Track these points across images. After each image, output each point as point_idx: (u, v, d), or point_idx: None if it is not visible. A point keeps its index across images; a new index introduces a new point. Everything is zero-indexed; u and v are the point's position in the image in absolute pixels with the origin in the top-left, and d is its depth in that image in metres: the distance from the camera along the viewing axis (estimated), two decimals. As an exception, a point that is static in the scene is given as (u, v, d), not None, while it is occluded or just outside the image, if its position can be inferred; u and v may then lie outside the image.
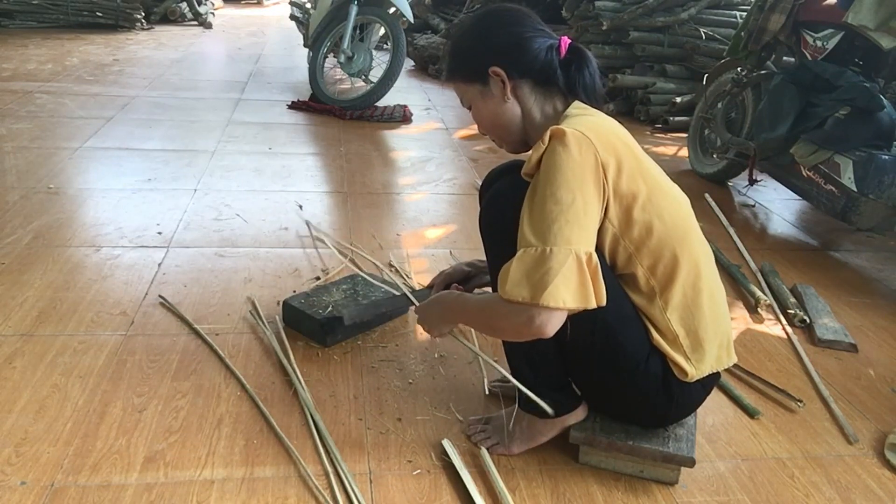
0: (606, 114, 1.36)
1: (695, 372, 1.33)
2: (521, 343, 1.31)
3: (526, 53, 1.33)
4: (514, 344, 1.39)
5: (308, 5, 5.28)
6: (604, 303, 1.19)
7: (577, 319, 1.24)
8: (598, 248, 1.25)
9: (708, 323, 1.33)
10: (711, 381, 1.40)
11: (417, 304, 1.57)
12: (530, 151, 1.27)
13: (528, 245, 1.18)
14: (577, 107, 1.34)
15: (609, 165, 1.22)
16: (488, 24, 1.37)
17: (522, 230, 1.21)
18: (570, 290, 1.15)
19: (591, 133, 1.22)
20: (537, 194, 1.21)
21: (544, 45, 1.34)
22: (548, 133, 1.23)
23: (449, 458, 1.46)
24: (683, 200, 1.37)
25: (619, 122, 1.37)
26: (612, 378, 1.36)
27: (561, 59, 1.34)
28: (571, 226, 1.17)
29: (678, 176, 3.50)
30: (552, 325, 1.17)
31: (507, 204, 1.31)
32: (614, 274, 1.33)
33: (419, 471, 1.44)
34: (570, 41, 1.36)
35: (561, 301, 1.14)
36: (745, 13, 4.10)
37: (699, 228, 1.39)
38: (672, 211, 1.30)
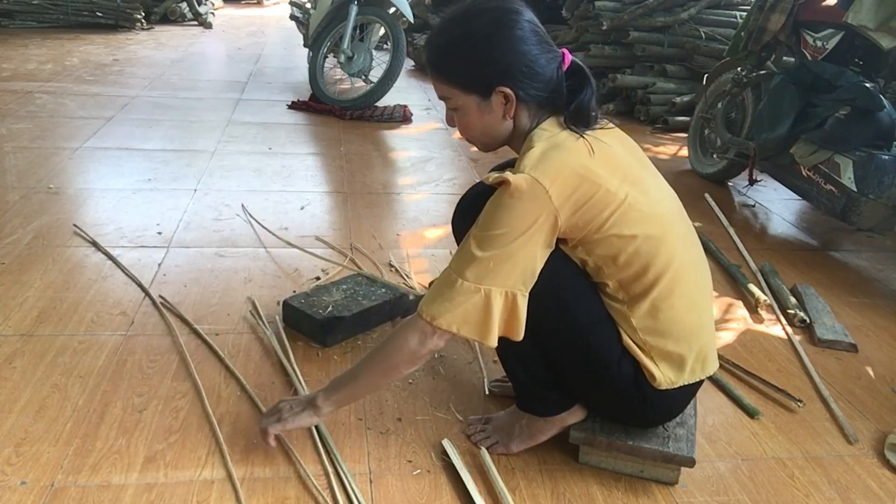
0: (604, 114, 1.34)
1: (663, 380, 1.32)
2: (512, 345, 1.30)
3: (539, 77, 1.27)
4: (506, 346, 1.36)
5: (308, 5, 5.28)
6: (517, 338, 1.26)
7: (545, 318, 1.30)
8: (570, 257, 1.31)
9: (680, 337, 1.31)
10: (692, 389, 1.40)
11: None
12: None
13: (450, 270, 1.26)
14: (550, 125, 1.29)
15: (562, 209, 1.21)
16: (498, 36, 1.26)
17: (456, 254, 1.27)
18: (467, 321, 1.24)
19: (547, 177, 1.20)
20: (478, 229, 1.25)
21: (553, 64, 1.28)
22: (503, 177, 1.21)
23: (449, 458, 1.46)
24: (664, 209, 1.32)
25: (619, 123, 1.36)
26: (586, 377, 1.37)
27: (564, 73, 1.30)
28: (493, 268, 1.22)
29: (678, 176, 3.51)
30: (435, 343, 1.28)
31: (472, 210, 1.34)
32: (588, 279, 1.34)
33: (419, 471, 1.44)
34: (570, 58, 1.32)
35: (455, 328, 1.24)
36: (745, 13, 4.10)
37: (690, 236, 1.37)
38: (650, 226, 1.27)
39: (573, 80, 1.31)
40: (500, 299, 1.22)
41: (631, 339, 1.32)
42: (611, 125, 1.36)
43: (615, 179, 1.25)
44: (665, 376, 1.32)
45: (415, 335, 1.28)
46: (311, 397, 1.41)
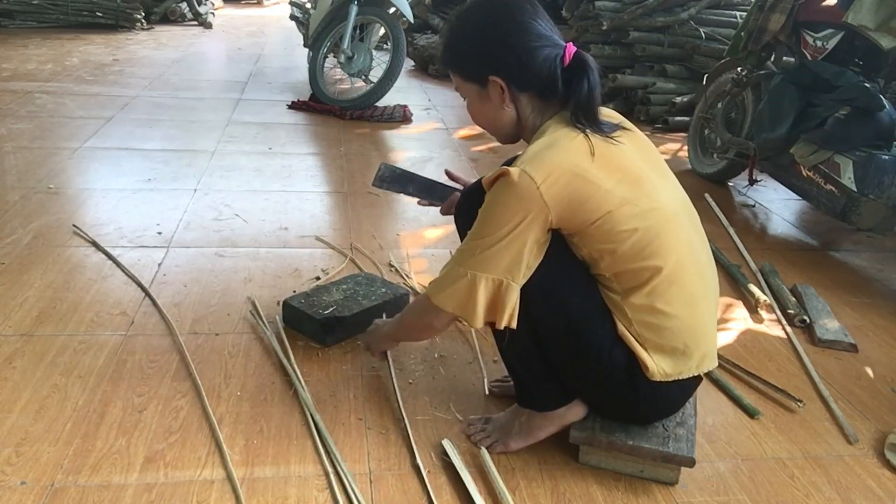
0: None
1: (657, 370, 1.32)
2: (509, 337, 1.35)
3: (529, 69, 1.31)
4: (503, 339, 1.42)
5: (308, 5, 5.28)
6: (506, 324, 1.31)
7: (536, 306, 1.32)
8: (565, 246, 1.33)
9: (675, 332, 1.31)
10: (689, 385, 1.40)
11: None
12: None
13: (451, 259, 1.35)
14: (556, 122, 1.32)
15: (552, 204, 1.23)
16: (492, 29, 1.32)
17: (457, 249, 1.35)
18: (455, 300, 1.33)
19: (540, 174, 1.23)
20: (474, 225, 1.32)
21: (550, 55, 1.31)
22: (498, 171, 1.27)
23: (449, 458, 1.46)
24: (667, 209, 1.32)
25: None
26: (579, 365, 1.38)
27: (564, 67, 1.32)
28: (479, 255, 1.29)
29: (678, 176, 3.46)
30: (438, 320, 1.40)
31: (471, 203, 1.38)
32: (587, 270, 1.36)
33: (419, 471, 1.44)
34: (574, 49, 1.33)
35: (449, 307, 1.33)
36: (745, 13, 4.10)
37: (696, 237, 1.37)
38: (642, 226, 1.27)
39: (571, 74, 1.31)
40: (484, 283, 1.29)
41: (626, 328, 1.33)
42: (631, 127, 1.38)
43: (612, 179, 1.27)
44: (659, 367, 1.32)
45: (423, 310, 1.43)
46: (381, 329, 1.66)
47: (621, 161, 1.30)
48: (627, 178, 1.28)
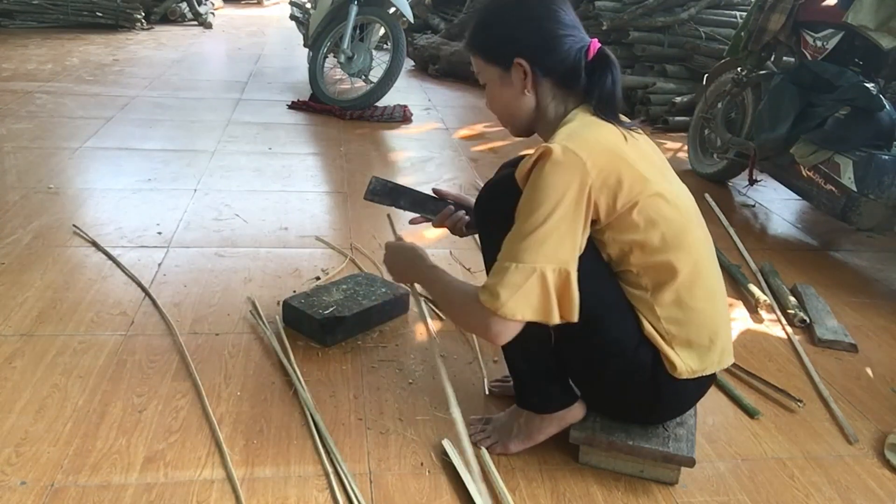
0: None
1: (684, 368, 1.32)
2: (518, 338, 1.31)
3: (554, 54, 1.32)
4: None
5: (308, 5, 5.28)
6: (572, 318, 1.24)
7: None
8: (593, 245, 1.30)
9: (702, 326, 1.33)
10: (706, 382, 1.40)
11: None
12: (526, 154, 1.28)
13: (502, 258, 1.25)
14: (582, 111, 1.34)
15: (596, 182, 1.23)
16: (522, 13, 1.34)
17: (504, 243, 1.26)
18: (529, 304, 1.22)
19: (583, 150, 1.22)
20: (520, 212, 1.25)
21: (575, 46, 1.32)
22: (538, 150, 1.24)
23: (449, 458, 1.46)
24: (685, 204, 1.36)
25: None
26: (599, 363, 1.37)
27: (587, 61, 1.33)
28: (541, 244, 1.21)
29: (678, 176, 3.50)
30: (506, 334, 1.26)
31: (498, 196, 1.36)
32: (612, 268, 1.35)
33: (419, 471, 1.44)
34: (599, 45, 1.34)
35: (520, 314, 1.23)
36: (745, 13, 4.10)
37: (703, 232, 1.39)
38: (671, 217, 1.29)
39: (594, 68, 1.32)
40: (553, 276, 1.22)
41: (653, 327, 1.32)
42: (639, 130, 1.39)
43: (645, 164, 1.29)
44: (686, 365, 1.32)
45: (486, 325, 1.25)
46: (421, 265, 1.49)
47: (645, 152, 1.32)
48: (655, 169, 1.31)
